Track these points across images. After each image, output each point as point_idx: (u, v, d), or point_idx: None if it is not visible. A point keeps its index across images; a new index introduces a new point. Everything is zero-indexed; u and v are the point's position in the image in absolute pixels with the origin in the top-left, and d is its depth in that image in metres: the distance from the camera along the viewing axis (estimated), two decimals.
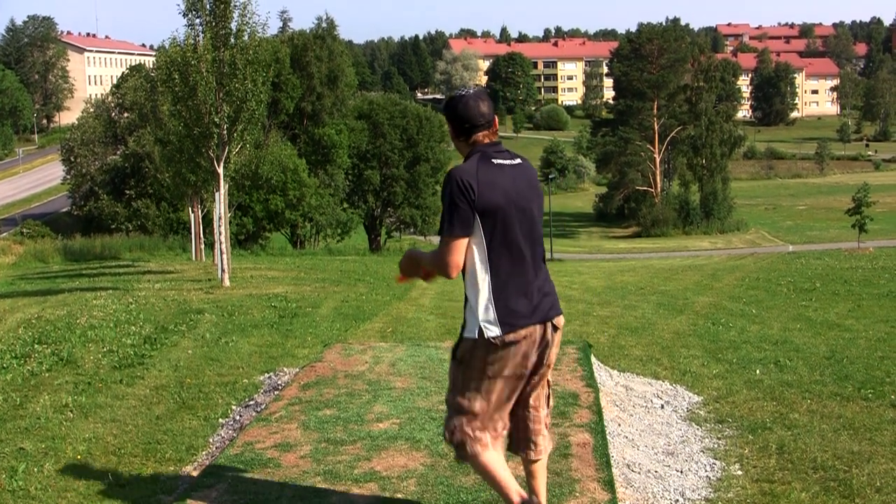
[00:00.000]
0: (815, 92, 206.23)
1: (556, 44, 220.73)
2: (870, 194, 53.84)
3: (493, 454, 4.69)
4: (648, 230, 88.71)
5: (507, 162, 4.64)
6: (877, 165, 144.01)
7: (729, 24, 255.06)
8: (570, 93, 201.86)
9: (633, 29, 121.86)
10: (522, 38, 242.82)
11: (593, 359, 9.19)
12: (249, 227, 48.77)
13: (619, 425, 7.21)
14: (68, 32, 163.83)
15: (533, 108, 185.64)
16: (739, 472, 6.34)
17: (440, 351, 9.40)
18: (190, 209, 35.63)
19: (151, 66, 50.45)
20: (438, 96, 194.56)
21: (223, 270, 21.70)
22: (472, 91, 4.78)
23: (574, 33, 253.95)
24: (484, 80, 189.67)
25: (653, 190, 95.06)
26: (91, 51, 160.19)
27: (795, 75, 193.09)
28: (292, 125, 62.74)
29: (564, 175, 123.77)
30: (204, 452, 7.10)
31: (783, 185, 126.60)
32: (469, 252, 4.55)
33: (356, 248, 54.19)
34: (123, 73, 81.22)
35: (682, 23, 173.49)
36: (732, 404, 8.17)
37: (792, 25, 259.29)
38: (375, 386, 8.04)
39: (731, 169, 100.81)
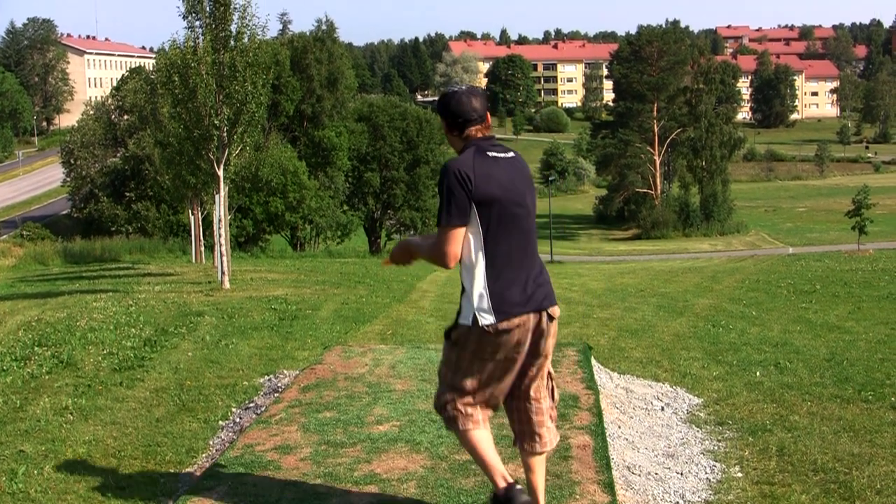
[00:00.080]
0: (814, 94, 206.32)
1: (555, 46, 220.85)
2: (870, 196, 53.84)
3: (483, 433, 4.83)
4: (648, 232, 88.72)
5: (502, 155, 4.76)
6: (877, 167, 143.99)
7: (728, 27, 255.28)
8: (570, 95, 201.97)
9: (633, 31, 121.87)
10: (522, 41, 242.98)
11: (593, 361, 9.19)
12: (249, 229, 48.79)
13: (620, 427, 7.21)
14: (68, 35, 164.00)
15: (533, 111, 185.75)
16: (740, 475, 6.34)
17: (440, 353, 9.40)
18: (190, 211, 35.63)
19: (151, 68, 50.51)
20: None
21: (223, 273, 21.70)
22: (464, 87, 4.89)
23: (574, 35, 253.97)
24: (484, 82, 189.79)
25: (653, 192, 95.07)
26: (91, 53, 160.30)
27: (795, 77, 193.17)
28: (292, 127, 62.76)
29: (564, 177, 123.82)
30: (204, 455, 7.10)
31: (783, 187, 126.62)
32: (465, 242, 4.65)
33: (356, 250, 54.25)
34: (123, 75, 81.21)
35: (682, 25, 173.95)
36: (732, 406, 8.16)
37: (792, 27, 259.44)
38: (375, 388, 8.04)
39: (730, 171, 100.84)
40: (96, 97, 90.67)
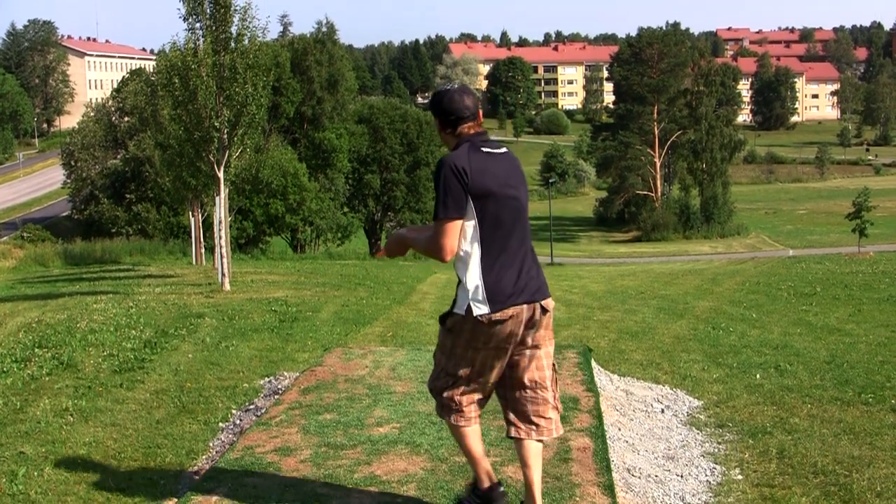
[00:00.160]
0: (815, 96, 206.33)
1: (556, 48, 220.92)
2: (870, 199, 53.77)
3: (474, 428, 5.01)
4: (649, 234, 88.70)
5: (495, 150, 4.87)
6: (877, 170, 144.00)
7: (729, 29, 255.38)
8: (571, 97, 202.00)
9: (634, 33, 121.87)
10: (523, 43, 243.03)
11: (593, 363, 9.19)
12: (250, 231, 48.79)
13: (620, 430, 7.21)
14: (69, 37, 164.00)
15: (533, 113, 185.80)
16: (740, 477, 6.34)
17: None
18: (190, 213, 35.61)
19: (152, 70, 50.47)
20: None
21: (223, 274, 21.70)
22: (456, 86, 4.98)
23: (574, 38, 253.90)
24: (484, 84, 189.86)
25: (653, 194, 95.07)
26: (91, 55, 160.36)
27: (796, 80, 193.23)
28: (293, 129, 62.79)
29: (565, 179, 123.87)
30: (204, 457, 7.10)
31: (783, 190, 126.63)
32: (462, 234, 4.75)
33: (356, 252, 54.20)
34: (124, 77, 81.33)
35: (683, 27, 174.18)
36: (733, 409, 8.16)
37: (792, 30, 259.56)
38: (376, 390, 8.04)
39: (731, 173, 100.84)
40: (97, 99, 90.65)
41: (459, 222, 4.70)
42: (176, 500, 6.06)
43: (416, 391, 7.96)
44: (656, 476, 6.25)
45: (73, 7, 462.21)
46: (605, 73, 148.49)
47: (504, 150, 4.94)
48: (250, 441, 6.69)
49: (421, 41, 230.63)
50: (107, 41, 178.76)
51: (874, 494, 5.93)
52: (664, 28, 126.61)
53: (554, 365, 5.12)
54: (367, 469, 5.97)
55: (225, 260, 22.05)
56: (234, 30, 21.87)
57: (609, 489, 5.54)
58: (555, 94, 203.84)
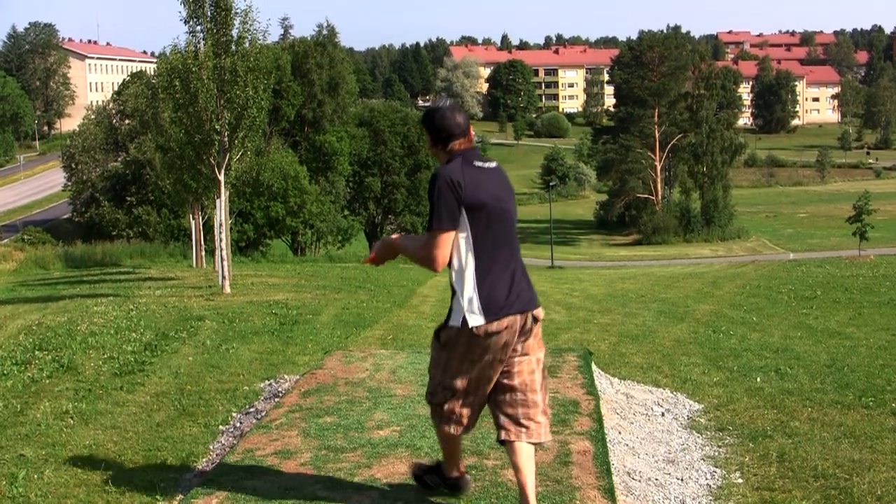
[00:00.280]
0: (815, 100, 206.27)
1: (556, 51, 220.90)
2: (871, 202, 53.91)
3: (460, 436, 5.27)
4: (649, 238, 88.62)
5: (486, 165, 5.02)
6: (878, 173, 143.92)
7: (730, 32, 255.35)
8: (571, 100, 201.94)
9: (634, 36, 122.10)
10: (523, 46, 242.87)
11: (594, 366, 9.19)
12: (250, 233, 48.73)
13: (620, 433, 7.21)
14: (69, 39, 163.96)
15: (534, 116, 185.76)
16: (740, 481, 6.34)
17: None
18: (191, 216, 35.63)
19: (152, 72, 50.54)
20: None
21: (224, 277, 21.71)
22: (448, 103, 5.13)
23: (575, 41, 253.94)
24: (485, 87, 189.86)
25: (654, 197, 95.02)
26: (92, 57, 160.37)
27: (796, 83, 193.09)
28: (293, 132, 62.74)
29: (565, 182, 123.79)
30: (204, 459, 7.10)
31: (784, 193, 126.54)
32: (455, 246, 4.88)
33: (357, 255, 54.15)
34: (124, 79, 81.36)
35: (683, 30, 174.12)
36: (733, 412, 8.16)
37: (793, 33, 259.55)
38: (376, 393, 8.04)
39: (731, 176, 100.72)
40: (97, 101, 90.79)
41: (452, 234, 4.83)
42: (176, 502, 6.06)
43: (417, 394, 7.95)
44: (657, 479, 6.25)
45: (73, 10, 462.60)
46: (606, 77, 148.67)
47: (494, 164, 5.09)
48: (250, 444, 6.69)
49: (422, 44, 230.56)
50: (107, 44, 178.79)
51: (875, 498, 5.93)
52: (665, 31, 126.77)
53: (545, 371, 5.20)
54: (368, 472, 5.97)
55: (225, 263, 22.06)
56: (234, 33, 21.91)
57: (609, 493, 5.54)
58: (555, 97, 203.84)
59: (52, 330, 13.93)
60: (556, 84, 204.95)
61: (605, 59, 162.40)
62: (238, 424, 8.05)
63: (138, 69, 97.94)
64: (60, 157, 73.24)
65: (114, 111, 68.93)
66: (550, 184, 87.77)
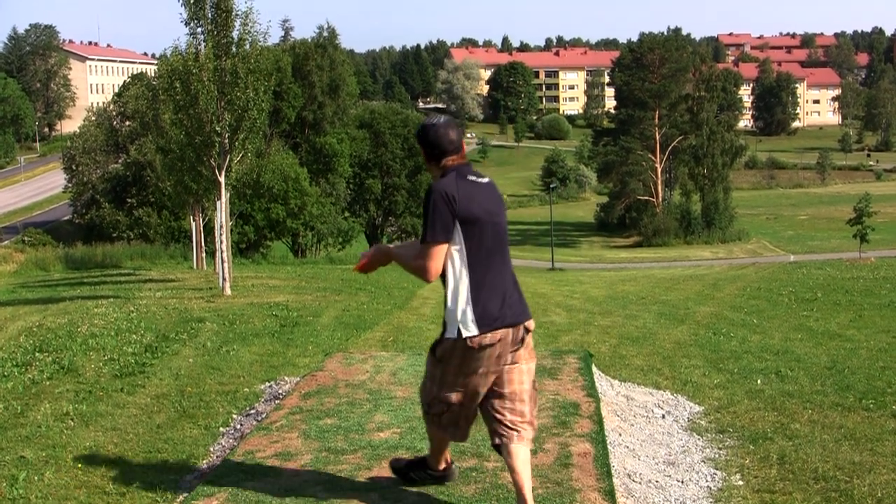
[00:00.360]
0: (816, 102, 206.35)
1: (557, 53, 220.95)
2: (871, 204, 53.88)
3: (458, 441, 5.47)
4: (650, 240, 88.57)
5: (479, 180, 5.14)
6: (878, 175, 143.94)
7: (730, 34, 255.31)
8: (572, 102, 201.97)
9: (635, 38, 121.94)
10: (524, 48, 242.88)
11: (594, 368, 9.18)
12: (251, 235, 48.74)
13: (620, 435, 7.21)
14: (70, 41, 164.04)
15: (534, 118, 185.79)
16: (740, 483, 6.34)
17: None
18: (191, 218, 35.63)
19: (153, 74, 50.55)
20: (440, 105, 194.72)
21: (224, 279, 21.71)
22: (442, 120, 5.25)
23: (576, 43, 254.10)
24: (485, 89, 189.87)
25: (654, 199, 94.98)
26: (93, 59, 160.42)
27: (797, 85, 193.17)
28: (294, 134, 62.75)
29: (566, 184, 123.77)
30: (204, 461, 7.10)
31: (784, 195, 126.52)
32: (449, 258, 4.99)
33: (357, 257, 54.02)
34: (125, 81, 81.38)
35: (684, 32, 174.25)
36: (733, 414, 8.16)
37: (793, 35, 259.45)
38: (376, 395, 8.03)
39: (732, 179, 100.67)
40: (98, 103, 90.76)
41: (446, 246, 4.95)
42: None
43: (417, 396, 7.94)
44: (657, 481, 6.25)
45: (74, 11, 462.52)
46: (607, 79, 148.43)
47: (487, 179, 5.21)
48: (251, 446, 6.69)
49: (422, 46, 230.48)
50: (108, 45, 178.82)
51: (875, 500, 5.93)
52: (665, 33, 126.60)
53: (535, 382, 5.31)
54: (368, 474, 5.97)
55: (226, 264, 22.06)
56: (235, 34, 21.93)
57: (610, 495, 5.54)
58: (556, 99, 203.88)
59: (52, 331, 13.93)
60: (556, 86, 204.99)
61: (605, 61, 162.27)
62: (238, 426, 8.05)
63: (139, 71, 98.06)
64: (61, 159, 73.23)
65: (114, 113, 68.92)
66: (551, 186, 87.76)
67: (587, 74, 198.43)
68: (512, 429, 5.15)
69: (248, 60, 21.64)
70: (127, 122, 64.19)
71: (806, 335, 12.98)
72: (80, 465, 6.94)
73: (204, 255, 35.54)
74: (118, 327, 14.14)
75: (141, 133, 49.50)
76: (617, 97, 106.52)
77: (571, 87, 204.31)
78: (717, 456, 6.97)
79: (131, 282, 26.66)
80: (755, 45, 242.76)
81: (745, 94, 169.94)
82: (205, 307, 17.61)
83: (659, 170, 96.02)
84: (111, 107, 70.60)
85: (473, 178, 5.10)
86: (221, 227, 22.95)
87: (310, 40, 70.56)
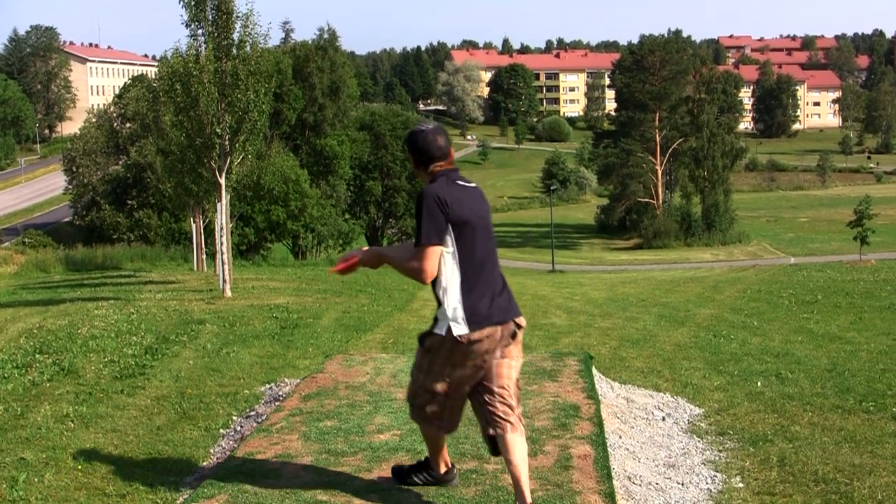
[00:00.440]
0: (816, 104, 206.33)
1: (558, 55, 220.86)
2: (872, 206, 53.77)
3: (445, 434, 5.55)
4: (650, 242, 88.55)
5: (468, 185, 5.33)
6: (879, 178, 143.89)
7: (731, 36, 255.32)
8: (572, 104, 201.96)
9: (636, 41, 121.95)
10: (524, 50, 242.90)
11: (594, 370, 9.18)
12: (251, 237, 48.73)
13: (620, 437, 7.21)
14: (71, 42, 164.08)
15: (535, 120, 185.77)
16: (741, 485, 6.34)
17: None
18: (191, 219, 35.63)
19: (154, 76, 50.56)
20: (440, 107, 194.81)
21: (224, 281, 21.71)
22: (430, 126, 5.44)
23: (576, 45, 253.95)
24: (486, 91, 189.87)
25: (654, 202, 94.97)
26: (93, 61, 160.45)
27: (797, 87, 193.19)
28: (294, 136, 62.77)
29: (566, 186, 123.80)
30: (205, 463, 7.10)
31: (785, 197, 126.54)
32: (441, 260, 5.15)
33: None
34: (126, 83, 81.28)
35: (684, 35, 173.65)
36: (734, 417, 8.16)
37: (794, 37, 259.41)
38: (377, 397, 8.04)
39: (732, 181, 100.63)
40: (99, 105, 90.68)
41: (440, 248, 5.09)
42: None
43: None
44: (657, 484, 6.25)
45: (75, 13, 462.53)
46: (607, 81, 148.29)
47: (474, 184, 5.39)
48: (251, 448, 6.69)
49: (423, 48, 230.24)
50: (109, 47, 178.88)
51: (875, 503, 5.93)
52: (666, 35, 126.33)
53: (518, 381, 5.40)
54: (368, 476, 5.97)
55: (226, 266, 22.06)
56: (236, 36, 21.94)
57: (610, 497, 5.54)
58: (556, 101, 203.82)
59: (52, 333, 13.93)
60: (557, 88, 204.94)
61: (606, 63, 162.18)
62: (239, 428, 8.05)
63: (139, 73, 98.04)
64: (61, 161, 73.27)
65: (115, 114, 68.89)
66: (551, 188, 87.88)
67: (587, 76, 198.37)
68: (505, 420, 5.24)
69: (249, 62, 21.65)
70: (127, 124, 64.17)
71: (806, 337, 12.98)
72: (80, 467, 6.94)
73: (204, 256, 35.54)
74: (118, 329, 14.14)
75: (141, 135, 49.50)
76: (617, 99, 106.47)
77: (572, 89, 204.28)
78: (717, 458, 6.97)
79: (132, 283, 26.66)
80: (755, 47, 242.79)
81: (746, 96, 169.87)
82: (205, 309, 17.61)
83: (659, 172, 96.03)
84: (112, 108, 70.56)
85: (462, 182, 5.28)
86: (222, 228, 22.95)
87: (310, 42, 70.64)
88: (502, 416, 5.24)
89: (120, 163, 63.08)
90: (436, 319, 5.23)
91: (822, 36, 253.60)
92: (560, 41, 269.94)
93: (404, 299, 20.09)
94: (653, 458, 6.88)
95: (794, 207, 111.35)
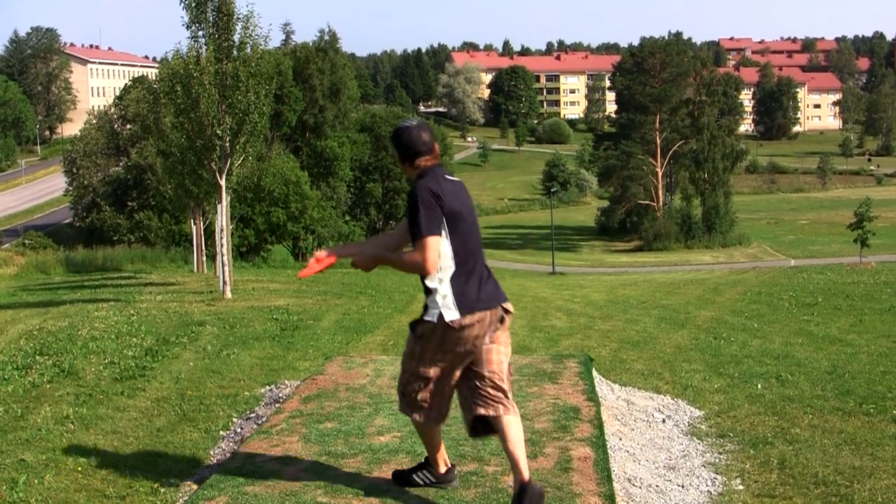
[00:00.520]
0: (817, 106, 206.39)
1: (558, 57, 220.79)
2: (872, 209, 53.93)
3: (435, 426, 5.61)
4: (650, 244, 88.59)
5: (454, 179, 5.54)
6: (879, 180, 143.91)
7: (731, 39, 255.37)
8: (573, 106, 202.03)
9: (636, 43, 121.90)
10: (525, 52, 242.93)
11: (595, 373, 9.18)
12: (251, 239, 48.78)
13: (621, 439, 7.20)
14: (71, 44, 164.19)
15: (535, 122, 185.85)
16: (741, 487, 6.33)
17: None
18: (192, 221, 35.68)
19: (154, 77, 50.56)
20: (441, 109, 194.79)
21: (225, 282, 21.72)
22: (414, 123, 5.60)
23: (577, 47, 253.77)
24: (486, 93, 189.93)
25: (655, 204, 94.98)
26: (94, 62, 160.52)
27: (798, 90, 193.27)
28: (294, 137, 62.84)
29: (566, 188, 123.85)
30: (205, 465, 7.10)
31: (785, 200, 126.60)
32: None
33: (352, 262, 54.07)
34: (126, 84, 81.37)
35: (685, 37, 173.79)
36: (734, 419, 8.16)
37: (794, 40, 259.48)
38: (377, 399, 8.03)
39: (733, 183, 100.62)
40: (99, 106, 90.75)
41: (440, 238, 5.24)
42: None
43: None
44: (657, 486, 6.25)
45: (75, 14, 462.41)
46: (608, 83, 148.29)
47: (459, 179, 5.61)
48: (251, 449, 6.69)
49: (423, 50, 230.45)
50: (109, 49, 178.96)
51: None
52: (666, 38, 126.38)
53: (511, 367, 5.58)
54: (369, 478, 5.97)
55: (226, 268, 22.07)
56: (236, 38, 21.96)
57: (610, 499, 5.53)
58: (557, 103, 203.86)
59: (52, 335, 13.93)
60: (557, 90, 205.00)
61: (606, 65, 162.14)
62: (239, 430, 8.05)
63: (140, 74, 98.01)
64: (62, 162, 73.27)
65: (115, 116, 68.94)
66: (552, 190, 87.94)
67: (588, 78, 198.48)
68: (498, 402, 5.38)
69: (250, 64, 21.67)
70: (128, 126, 64.22)
71: (806, 340, 12.98)
72: (80, 469, 6.94)
73: (204, 258, 35.58)
74: (118, 331, 14.15)
75: (142, 136, 49.47)
76: (618, 101, 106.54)
77: (572, 91, 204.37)
78: (717, 460, 6.96)
79: (132, 285, 26.67)
80: (756, 49, 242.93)
81: (746, 98, 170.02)
82: (205, 311, 17.61)
83: (660, 174, 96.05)
84: (112, 110, 70.61)
85: (450, 177, 5.48)
86: (222, 230, 22.97)
87: (311, 44, 70.75)
88: (495, 398, 5.38)
89: (120, 164, 63.10)
90: (426, 307, 5.38)
91: (823, 38, 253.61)
92: (560, 43, 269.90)
93: (404, 301, 20.09)
94: (653, 460, 6.88)
95: (795, 210, 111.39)
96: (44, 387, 9.89)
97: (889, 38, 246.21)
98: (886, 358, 11.15)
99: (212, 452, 7.44)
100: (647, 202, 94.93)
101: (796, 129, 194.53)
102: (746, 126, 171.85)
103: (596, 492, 5.62)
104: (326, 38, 74.45)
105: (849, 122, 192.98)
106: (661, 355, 11.66)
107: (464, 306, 5.27)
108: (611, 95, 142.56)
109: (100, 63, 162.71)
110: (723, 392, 9.23)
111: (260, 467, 6.25)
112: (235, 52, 21.89)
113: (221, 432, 8.04)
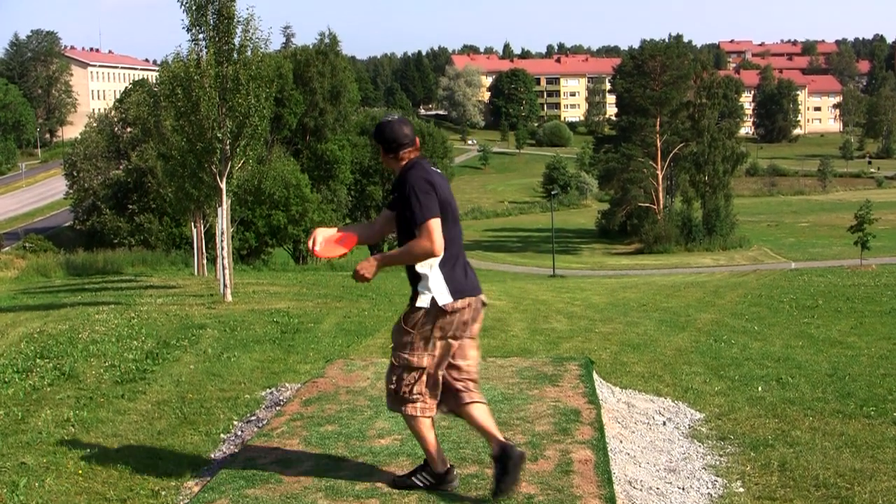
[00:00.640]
0: (817, 109, 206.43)
1: (558, 60, 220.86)
2: (872, 211, 53.73)
3: (428, 421, 5.69)
4: (651, 247, 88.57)
5: (438, 171, 5.72)
6: (879, 182, 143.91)
7: (731, 41, 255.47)
8: (573, 109, 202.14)
9: (636, 45, 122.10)
10: (525, 55, 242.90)
11: (595, 375, 9.18)
12: (252, 242, 48.82)
13: (621, 442, 7.20)
14: (72, 47, 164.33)
15: (535, 124, 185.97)
16: (741, 490, 6.33)
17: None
18: (192, 224, 35.68)
19: (155, 81, 50.60)
20: (441, 112, 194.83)
21: (225, 285, 21.72)
22: (395, 117, 5.79)
23: (577, 50, 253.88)
24: (487, 96, 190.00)
25: (655, 206, 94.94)
26: (94, 65, 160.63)
27: (798, 92, 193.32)
28: (295, 140, 62.86)
29: (567, 191, 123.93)
30: (205, 468, 7.10)
31: (786, 202, 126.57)
32: None
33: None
34: (126, 87, 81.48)
35: (685, 39, 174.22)
36: (734, 421, 8.16)
37: (794, 42, 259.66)
38: (377, 402, 8.03)
39: (733, 186, 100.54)
40: (99, 109, 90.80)
41: (440, 220, 5.41)
42: None
43: None
44: (658, 488, 6.24)
45: (76, 18, 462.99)
46: (608, 86, 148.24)
47: (441, 171, 5.79)
48: (252, 452, 6.69)
49: (424, 53, 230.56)
50: (110, 52, 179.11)
51: None
52: (667, 40, 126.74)
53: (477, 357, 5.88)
54: (369, 481, 5.97)
55: (227, 271, 22.08)
56: (236, 41, 21.98)
57: (610, 501, 5.53)
58: (557, 105, 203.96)
59: (53, 338, 13.93)
60: (557, 93, 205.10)
61: (606, 67, 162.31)
62: (239, 433, 8.05)
63: (140, 77, 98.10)
64: (62, 165, 73.35)
65: (116, 119, 69.00)
66: (552, 192, 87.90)
67: (588, 81, 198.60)
68: (469, 390, 5.67)
69: (250, 67, 21.68)
70: (128, 129, 64.28)
71: (807, 342, 12.97)
72: (80, 472, 6.94)
73: (205, 261, 35.58)
74: (119, 333, 14.15)
75: (142, 139, 49.55)
76: (618, 104, 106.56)
77: (573, 94, 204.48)
78: (717, 463, 6.96)
79: (132, 288, 26.67)
80: (756, 52, 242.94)
81: (747, 101, 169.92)
82: (206, 313, 17.62)
83: (660, 177, 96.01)
84: (112, 113, 70.69)
85: (435, 168, 5.68)
86: (222, 233, 22.97)
87: (311, 47, 70.72)
88: (464, 388, 5.65)
89: (121, 167, 63.16)
90: (415, 295, 5.59)
91: (823, 41, 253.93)
92: (561, 46, 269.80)
93: (405, 304, 20.08)
94: (653, 462, 6.88)
95: (795, 212, 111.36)
96: (44, 390, 9.90)
97: (889, 40, 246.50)
98: (887, 360, 11.14)
99: (212, 455, 7.44)
100: (647, 205, 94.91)
101: (797, 131, 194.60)
102: (747, 129, 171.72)
103: (596, 494, 5.62)
104: (327, 40, 74.39)
105: (849, 124, 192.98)
106: (662, 358, 11.65)
107: (455, 290, 5.50)
108: (611, 98, 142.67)
109: (100, 66, 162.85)
110: (723, 395, 9.23)
111: (261, 470, 6.25)
112: (236, 56, 21.91)
113: (222, 435, 8.04)
